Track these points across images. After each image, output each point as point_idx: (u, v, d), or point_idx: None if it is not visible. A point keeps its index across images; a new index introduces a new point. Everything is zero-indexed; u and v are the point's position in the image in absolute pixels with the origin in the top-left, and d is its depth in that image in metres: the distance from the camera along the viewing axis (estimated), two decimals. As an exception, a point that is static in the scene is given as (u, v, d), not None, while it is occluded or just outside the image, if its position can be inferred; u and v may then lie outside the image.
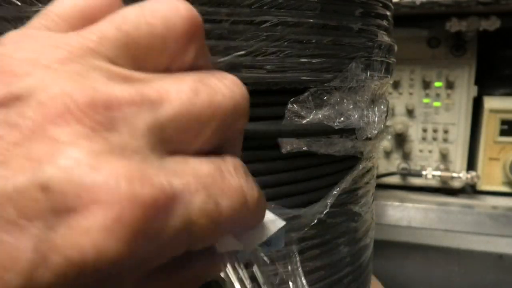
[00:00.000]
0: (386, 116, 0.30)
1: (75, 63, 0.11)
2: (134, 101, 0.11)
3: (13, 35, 0.12)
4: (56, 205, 0.10)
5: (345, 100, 0.24)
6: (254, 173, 0.22)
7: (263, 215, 0.15)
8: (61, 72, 0.11)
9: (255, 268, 0.20)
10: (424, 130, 0.69)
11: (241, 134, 0.16)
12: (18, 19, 0.19)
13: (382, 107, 0.29)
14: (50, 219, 0.10)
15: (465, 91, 0.66)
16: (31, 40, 0.12)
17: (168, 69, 0.13)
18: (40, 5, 0.18)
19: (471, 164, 0.69)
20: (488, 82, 0.68)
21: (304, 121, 0.23)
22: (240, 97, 0.13)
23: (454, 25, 0.62)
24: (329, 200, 0.24)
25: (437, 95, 0.67)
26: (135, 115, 0.11)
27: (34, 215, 0.10)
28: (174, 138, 0.12)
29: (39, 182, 0.10)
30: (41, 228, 0.10)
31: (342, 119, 0.23)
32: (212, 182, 0.12)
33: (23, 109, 0.10)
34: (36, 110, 0.10)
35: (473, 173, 0.66)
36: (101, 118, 0.11)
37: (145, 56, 0.12)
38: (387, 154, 0.70)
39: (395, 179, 0.70)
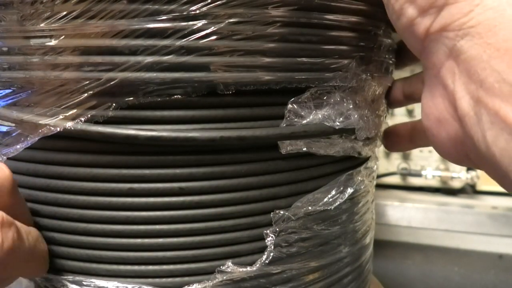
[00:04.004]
0: (385, 116, 0.30)
1: None
2: None
3: None
4: None
5: (345, 100, 0.24)
6: (254, 173, 0.22)
7: (20, 264, 0.20)
8: None
9: None
10: (424, 130, 0.68)
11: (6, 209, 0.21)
12: None
13: (382, 107, 0.29)
14: None
15: (465, 91, 0.66)
16: None
17: None
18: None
19: (471, 164, 0.68)
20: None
21: (304, 121, 0.23)
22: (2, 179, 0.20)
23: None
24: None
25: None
26: None
27: None
28: None
29: None
30: None
31: (342, 119, 0.23)
32: None
33: None
34: None
35: (473, 173, 0.66)
36: None
37: None
38: (387, 154, 0.70)
39: (395, 179, 0.70)
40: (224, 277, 0.22)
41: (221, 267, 0.22)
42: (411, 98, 0.30)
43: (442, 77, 0.19)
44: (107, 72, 0.20)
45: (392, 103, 0.31)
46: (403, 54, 0.30)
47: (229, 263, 0.23)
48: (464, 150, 0.20)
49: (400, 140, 0.31)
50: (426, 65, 0.21)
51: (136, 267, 0.22)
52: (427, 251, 0.61)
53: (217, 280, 0.22)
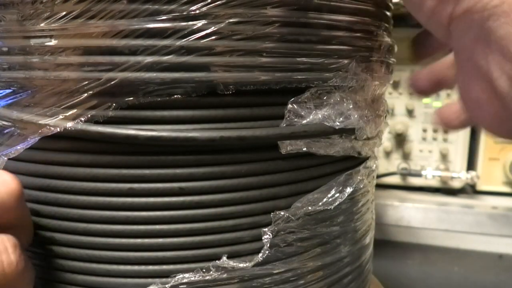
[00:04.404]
0: (385, 116, 0.30)
1: None
2: None
3: None
4: None
5: (345, 100, 0.24)
6: (254, 173, 0.22)
7: (24, 284, 0.20)
8: None
9: None
10: (424, 130, 0.69)
11: (12, 222, 0.20)
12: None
13: (382, 107, 0.29)
14: None
15: (465, 91, 0.66)
16: None
17: None
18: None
19: (471, 164, 0.68)
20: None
21: (304, 121, 0.23)
22: (5, 195, 0.19)
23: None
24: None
25: (437, 95, 0.67)
26: None
27: None
28: None
29: None
30: None
31: (342, 119, 0.23)
32: None
33: None
34: None
35: (473, 173, 0.66)
36: None
37: None
38: (387, 154, 0.70)
39: (395, 179, 0.70)
40: (223, 276, 0.22)
41: (216, 261, 0.22)
42: (439, 85, 0.29)
43: (475, 60, 0.19)
44: (107, 72, 0.20)
45: (420, 93, 0.30)
46: (422, 46, 0.30)
47: (224, 258, 0.22)
48: (511, 125, 0.20)
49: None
50: (456, 50, 0.21)
51: (136, 267, 0.22)
52: (427, 251, 0.61)
53: (213, 276, 0.22)
